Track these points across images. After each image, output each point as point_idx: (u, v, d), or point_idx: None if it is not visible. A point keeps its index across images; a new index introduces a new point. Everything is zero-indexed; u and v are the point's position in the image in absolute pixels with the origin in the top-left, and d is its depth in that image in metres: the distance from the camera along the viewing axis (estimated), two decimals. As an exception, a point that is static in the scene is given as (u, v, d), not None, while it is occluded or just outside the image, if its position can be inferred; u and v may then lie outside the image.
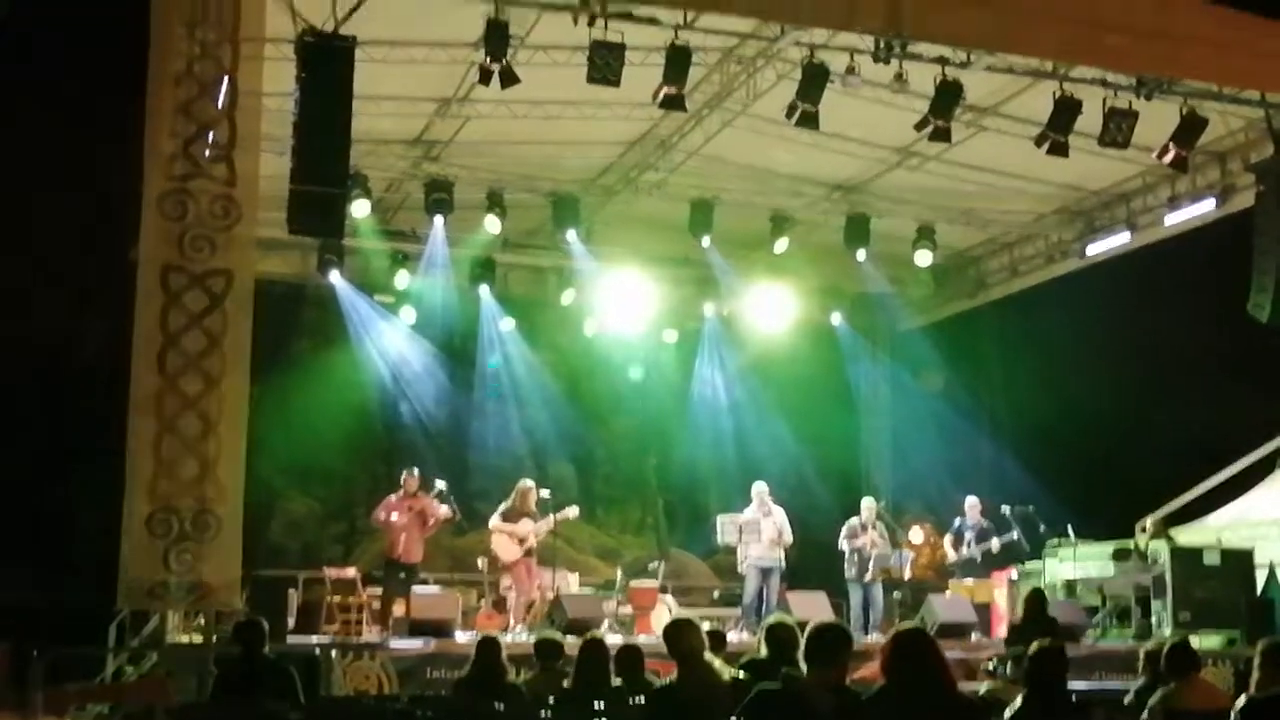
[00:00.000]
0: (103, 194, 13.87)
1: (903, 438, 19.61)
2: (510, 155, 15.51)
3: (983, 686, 9.20)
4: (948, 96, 12.58)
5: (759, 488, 15.30)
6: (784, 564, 14.96)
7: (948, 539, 16.06)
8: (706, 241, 16.63)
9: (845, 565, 15.20)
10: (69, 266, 16.75)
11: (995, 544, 15.58)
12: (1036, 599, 11.79)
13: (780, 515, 15.09)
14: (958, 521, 16.06)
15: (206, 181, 10.49)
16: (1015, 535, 15.51)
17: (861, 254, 17.01)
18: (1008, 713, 6.35)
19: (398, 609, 13.74)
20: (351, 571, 14.65)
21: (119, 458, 10.34)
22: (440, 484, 14.85)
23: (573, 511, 15.15)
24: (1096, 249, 16.84)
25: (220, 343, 10.47)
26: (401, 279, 17.24)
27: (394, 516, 14.12)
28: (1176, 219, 15.60)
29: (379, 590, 14.30)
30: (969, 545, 15.78)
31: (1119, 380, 17.32)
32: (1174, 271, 16.82)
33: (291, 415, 16.44)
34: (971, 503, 16.06)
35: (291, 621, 13.27)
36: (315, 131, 10.95)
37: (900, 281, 18.89)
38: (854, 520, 15.42)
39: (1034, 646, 6.54)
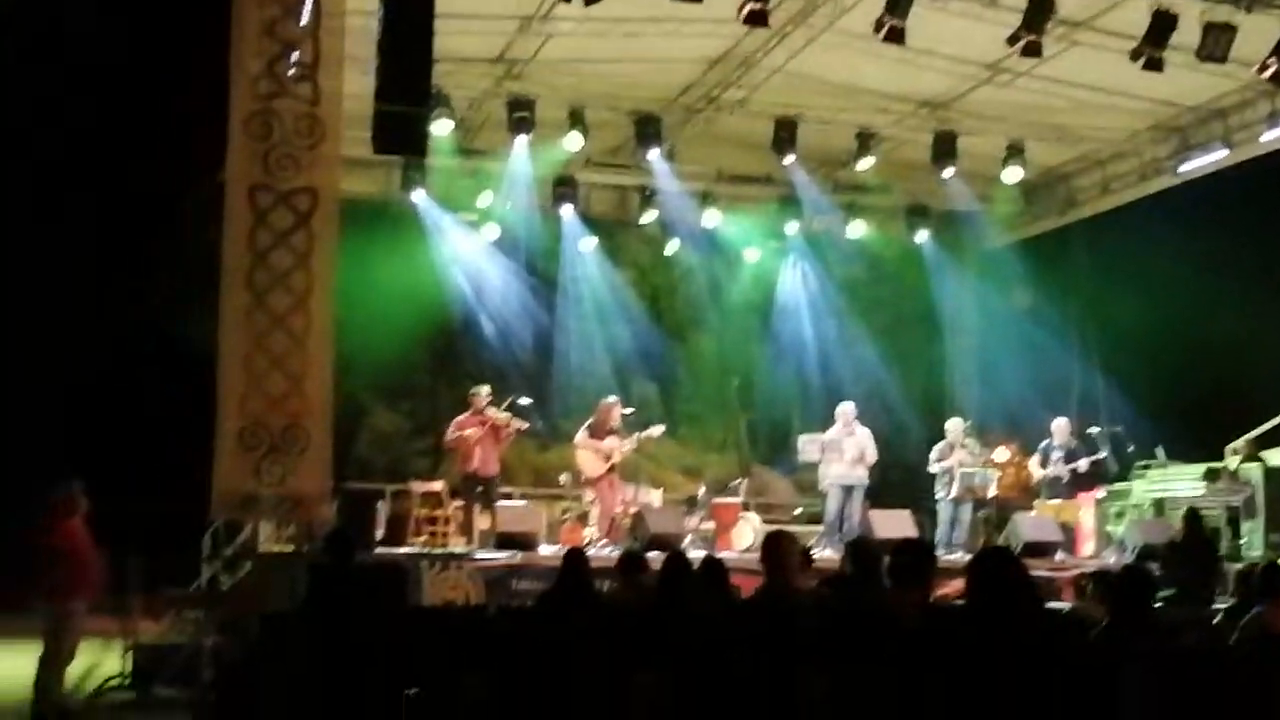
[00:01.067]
0: (190, 115, 14.03)
1: (989, 358, 19.36)
2: (592, 73, 15.38)
3: (1067, 605, 9.15)
4: (1040, 10, 12.25)
5: (845, 407, 15.29)
6: (867, 483, 14.98)
7: (1034, 459, 15.94)
8: (790, 159, 16.44)
9: (936, 486, 15.27)
10: (157, 188, 17.00)
11: (1083, 464, 15.43)
12: (1194, 518, 11.68)
13: (865, 434, 15.09)
14: (1045, 442, 15.92)
15: (291, 101, 10.58)
16: (1103, 455, 15.38)
17: (949, 171, 16.75)
18: (1094, 632, 6.33)
19: (481, 522, 13.94)
20: (438, 485, 14.87)
21: (213, 371, 10.56)
22: (524, 400, 14.99)
23: (657, 430, 15.28)
24: (1191, 166, 16.43)
25: (307, 260, 10.60)
26: (484, 198, 17.30)
27: (466, 432, 14.26)
28: (1275, 135, 15.16)
29: (461, 503, 14.51)
30: (1056, 465, 15.67)
31: (1212, 300, 16.93)
32: (1271, 189, 16.37)
33: (377, 332, 16.59)
34: (1059, 424, 15.89)
35: (379, 533, 13.55)
36: (398, 51, 10.88)
37: (988, 199, 18.57)
38: (942, 443, 15.44)
39: (1121, 566, 6.50)
